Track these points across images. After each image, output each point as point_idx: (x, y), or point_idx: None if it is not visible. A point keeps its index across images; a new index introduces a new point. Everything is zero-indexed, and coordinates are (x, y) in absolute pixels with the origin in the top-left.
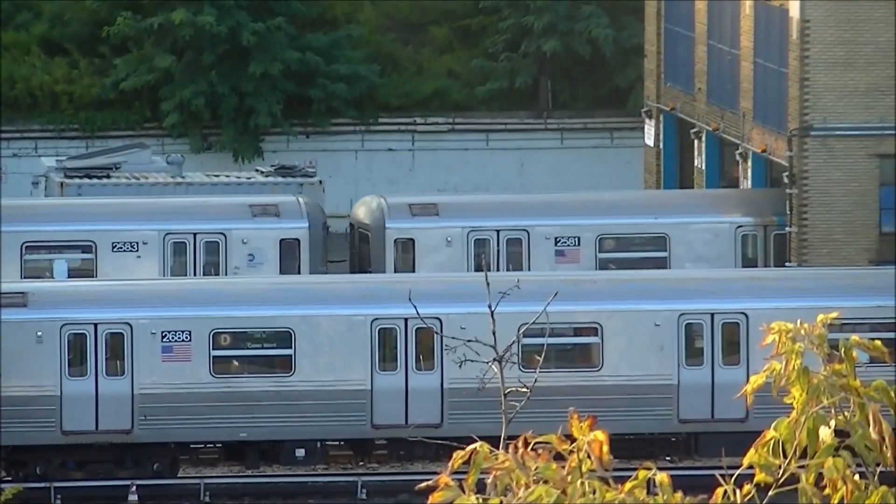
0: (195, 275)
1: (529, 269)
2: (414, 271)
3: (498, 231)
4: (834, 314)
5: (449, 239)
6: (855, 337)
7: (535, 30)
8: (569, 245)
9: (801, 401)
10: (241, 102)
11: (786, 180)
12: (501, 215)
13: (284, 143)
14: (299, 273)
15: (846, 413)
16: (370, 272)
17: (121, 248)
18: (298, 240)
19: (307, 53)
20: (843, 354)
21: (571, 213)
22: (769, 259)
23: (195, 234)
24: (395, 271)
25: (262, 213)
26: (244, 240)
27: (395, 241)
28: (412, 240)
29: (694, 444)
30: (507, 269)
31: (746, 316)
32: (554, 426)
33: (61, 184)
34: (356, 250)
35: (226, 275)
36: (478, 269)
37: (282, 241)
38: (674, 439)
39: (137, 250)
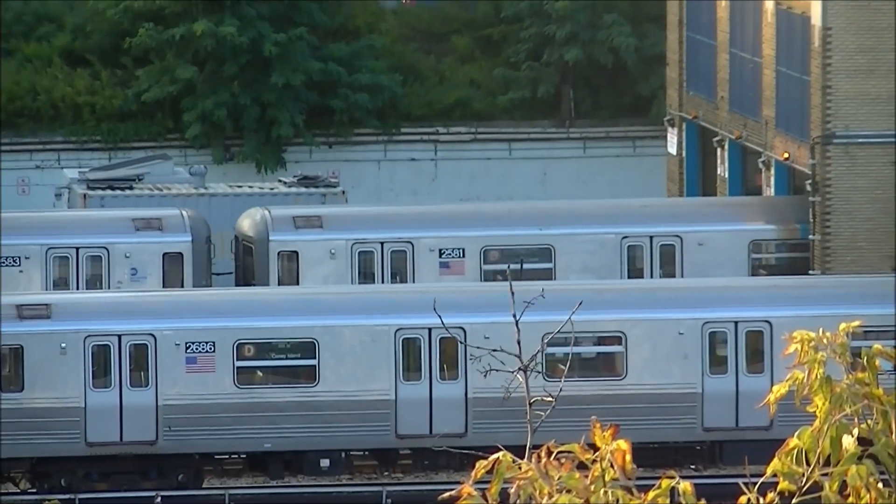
0: (77, 289)
1: (414, 282)
2: (298, 284)
3: (382, 243)
4: (856, 323)
5: (333, 251)
6: (878, 345)
7: (556, 39)
8: (453, 257)
9: (823, 409)
10: (264, 113)
11: (808, 188)
12: (386, 227)
13: (307, 154)
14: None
15: (869, 421)
16: (254, 285)
17: (2, 262)
18: (181, 253)
19: (329, 64)
20: (865, 363)
21: (456, 224)
22: (654, 270)
23: (77, 249)
24: (279, 284)
25: (146, 227)
26: (127, 254)
27: (279, 253)
28: (296, 252)
29: (719, 453)
30: (392, 282)
31: (770, 324)
32: (578, 435)
33: (84, 195)
34: (241, 263)
35: (108, 288)
36: (362, 281)
37: (165, 254)
38: (698, 448)
39: (20, 265)
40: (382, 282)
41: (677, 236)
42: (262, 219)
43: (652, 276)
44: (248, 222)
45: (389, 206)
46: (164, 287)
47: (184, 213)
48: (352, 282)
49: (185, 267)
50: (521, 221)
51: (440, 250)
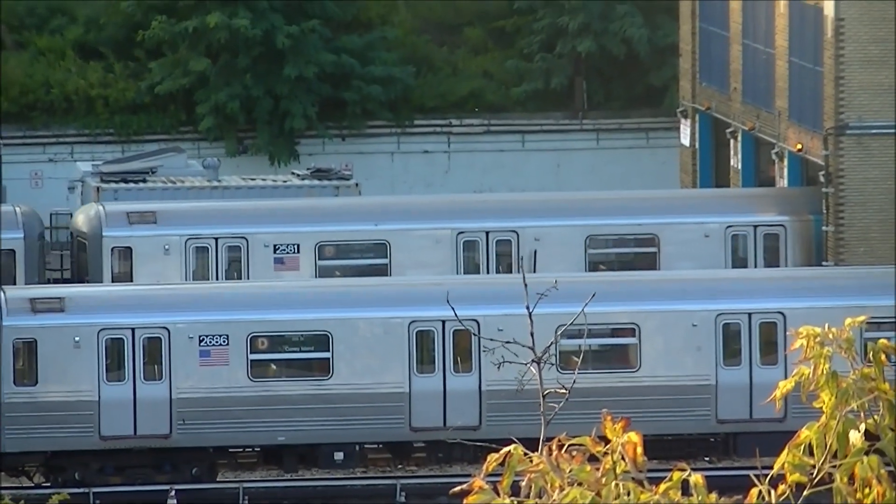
0: None
1: (248, 278)
2: (132, 280)
3: (216, 238)
4: (862, 318)
5: (167, 247)
6: (883, 340)
7: (569, 30)
8: (288, 252)
9: (830, 405)
10: (277, 105)
11: (822, 179)
12: (220, 223)
13: (320, 146)
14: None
15: (875, 416)
16: (88, 281)
17: None
18: (14, 250)
19: (342, 56)
20: (871, 357)
21: (290, 220)
22: (491, 265)
23: None
24: (113, 280)
25: None
26: None
27: (112, 249)
28: (129, 248)
29: (733, 445)
30: (227, 278)
31: (784, 315)
32: (592, 427)
33: (97, 188)
34: (75, 259)
35: None
36: (197, 277)
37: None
38: (712, 440)
39: None
40: (217, 277)
41: (514, 231)
42: (96, 214)
43: (487, 272)
44: (81, 218)
45: (225, 202)
46: None
47: (17, 209)
48: (184, 278)
49: (18, 264)
50: (357, 217)
51: (275, 246)
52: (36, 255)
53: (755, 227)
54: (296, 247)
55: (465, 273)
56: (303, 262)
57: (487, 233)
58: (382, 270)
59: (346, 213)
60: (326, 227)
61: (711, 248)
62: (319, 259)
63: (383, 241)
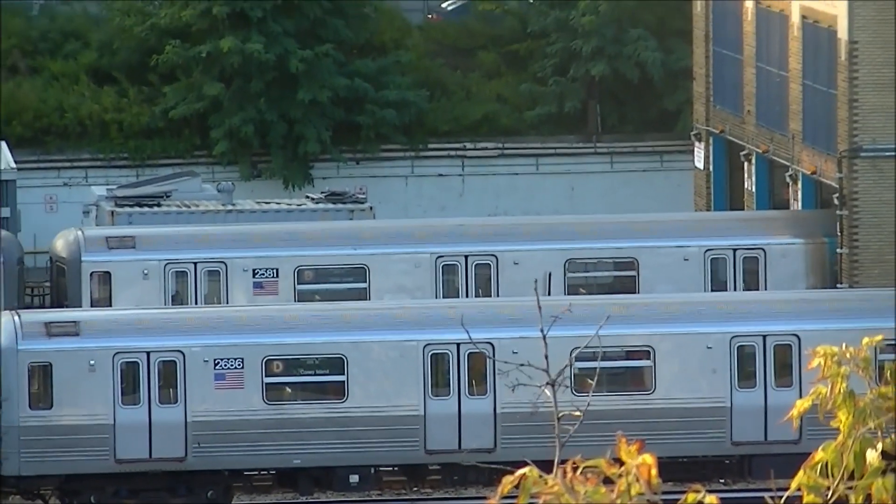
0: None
1: (228, 302)
2: (111, 304)
3: (196, 263)
4: (879, 337)
5: (146, 272)
6: None
7: (583, 54)
8: (267, 277)
9: (847, 424)
10: (291, 129)
11: (836, 201)
12: (199, 248)
13: (334, 170)
14: None
15: (893, 436)
16: (67, 306)
17: None
18: None
19: (355, 80)
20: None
21: (269, 244)
22: (470, 289)
23: None
24: (92, 305)
25: None
26: None
27: (91, 274)
28: (108, 273)
29: (747, 467)
30: (206, 302)
31: (798, 338)
32: (608, 450)
33: (112, 213)
34: (55, 284)
35: None
36: (176, 301)
37: None
38: (727, 462)
39: None
40: (196, 302)
41: (493, 255)
42: (75, 239)
43: (467, 296)
44: (61, 243)
45: (203, 226)
46: None
47: None
48: (165, 303)
49: None
50: (335, 241)
51: (254, 270)
52: (15, 279)
53: (734, 250)
54: (275, 271)
55: (443, 297)
56: (282, 287)
57: (466, 256)
58: (361, 295)
59: (325, 237)
60: (305, 251)
61: (691, 271)
62: (298, 283)
63: (362, 265)
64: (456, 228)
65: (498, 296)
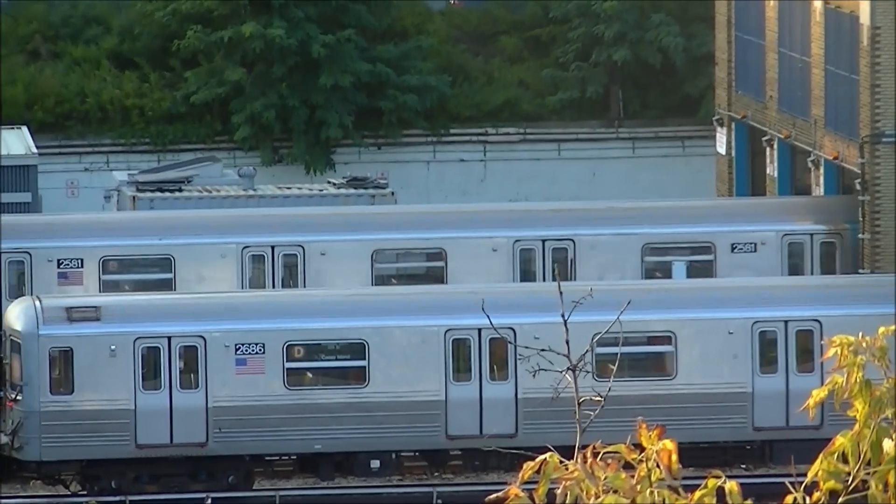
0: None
1: (32, 293)
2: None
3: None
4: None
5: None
6: None
7: (605, 39)
8: (72, 267)
9: (863, 413)
10: (312, 115)
11: (858, 187)
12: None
13: (356, 155)
14: None
15: None
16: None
17: None
18: None
19: (377, 65)
20: None
21: (74, 234)
22: (276, 279)
23: None
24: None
25: None
26: None
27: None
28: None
29: (769, 452)
30: (9, 296)
31: (820, 323)
32: (629, 435)
33: (133, 198)
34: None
35: None
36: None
37: None
38: (748, 447)
39: None
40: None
41: (300, 246)
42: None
43: (274, 287)
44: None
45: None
46: None
47: None
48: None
49: None
50: (141, 231)
51: (59, 260)
52: None
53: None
54: (80, 261)
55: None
56: (87, 277)
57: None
58: (168, 285)
59: (132, 227)
60: (109, 241)
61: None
62: (104, 274)
63: (168, 255)
64: (263, 218)
65: (304, 286)
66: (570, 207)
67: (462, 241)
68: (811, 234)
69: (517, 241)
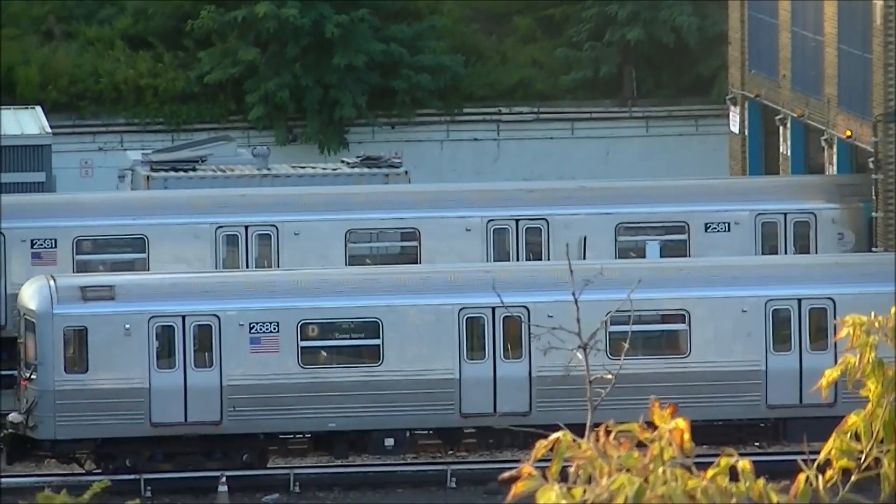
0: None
1: (5, 274)
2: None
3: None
4: None
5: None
6: None
7: (618, 18)
8: (45, 247)
9: (876, 393)
10: (326, 94)
11: (871, 166)
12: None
13: (370, 134)
14: None
15: None
16: None
17: None
18: None
19: (391, 45)
20: None
21: (48, 215)
22: (251, 259)
23: None
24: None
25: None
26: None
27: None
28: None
29: (783, 430)
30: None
31: (833, 301)
32: (643, 414)
33: (147, 177)
34: None
35: None
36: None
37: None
38: (762, 425)
39: None
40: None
41: (273, 226)
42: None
43: (247, 267)
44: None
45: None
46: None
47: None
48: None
49: None
50: (115, 211)
51: (32, 241)
52: None
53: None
54: (53, 241)
55: (224, 268)
56: (60, 257)
57: (247, 227)
58: (142, 265)
59: (106, 208)
60: (83, 221)
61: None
62: (77, 254)
63: (141, 235)
64: (239, 199)
65: (278, 265)
66: (544, 187)
67: (435, 220)
68: (784, 214)
69: (491, 220)
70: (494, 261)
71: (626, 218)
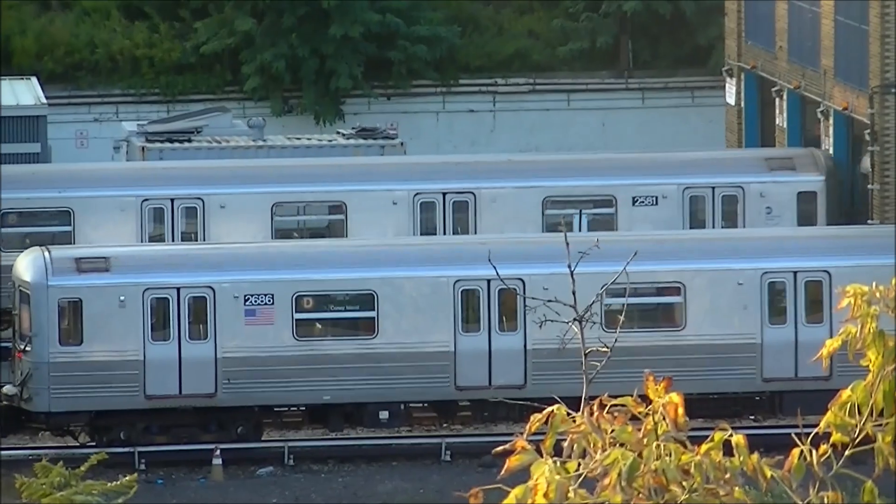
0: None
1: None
2: None
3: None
4: None
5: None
6: None
7: None
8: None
9: (877, 363)
10: (322, 65)
11: (867, 138)
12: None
13: (366, 106)
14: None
15: None
16: None
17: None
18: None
19: (387, 15)
20: None
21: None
22: (177, 232)
23: (713, 188)
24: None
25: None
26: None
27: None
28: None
29: (778, 403)
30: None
31: (829, 274)
32: (639, 386)
33: (142, 148)
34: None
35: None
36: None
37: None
38: (758, 398)
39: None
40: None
41: (199, 199)
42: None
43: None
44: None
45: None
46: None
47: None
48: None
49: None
50: (41, 184)
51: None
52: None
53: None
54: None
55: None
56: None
57: (172, 199)
58: (66, 238)
59: (32, 180)
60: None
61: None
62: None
63: (67, 208)
64: (163, 172)
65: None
66: (471, 160)
67: (362, 193)
68: (713, 188)
69: (417, 193)
70: (421, 234)
71: (553, 191)
